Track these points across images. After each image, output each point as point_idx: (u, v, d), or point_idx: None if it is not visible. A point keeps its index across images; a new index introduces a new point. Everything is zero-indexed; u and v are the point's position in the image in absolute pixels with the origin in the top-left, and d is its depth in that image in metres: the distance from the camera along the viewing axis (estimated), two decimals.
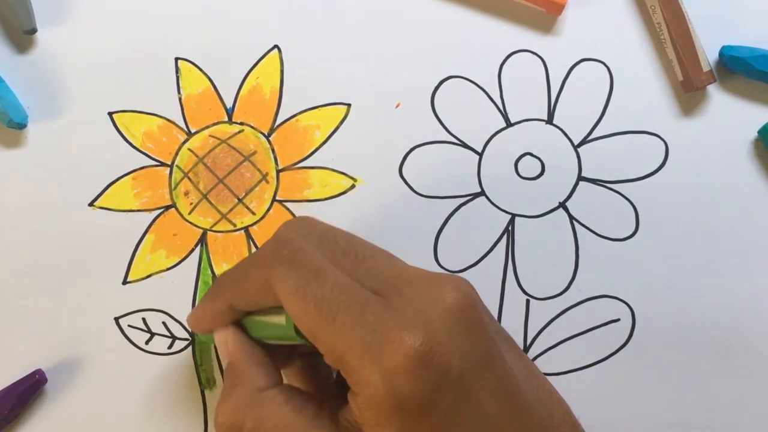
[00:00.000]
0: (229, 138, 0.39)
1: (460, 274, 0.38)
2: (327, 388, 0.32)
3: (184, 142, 0.39)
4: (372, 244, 0.28)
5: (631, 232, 0.39)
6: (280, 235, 0.27)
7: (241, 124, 0.39)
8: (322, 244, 0.27)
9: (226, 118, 0.40)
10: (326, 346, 0.25)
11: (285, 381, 0.30)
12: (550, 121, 0.39)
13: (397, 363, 0.24)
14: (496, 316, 0.38)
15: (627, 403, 0.37)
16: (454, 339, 0.25)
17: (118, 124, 0.39)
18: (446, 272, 0.29)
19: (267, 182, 0.39)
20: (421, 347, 0.24)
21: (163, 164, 0.39)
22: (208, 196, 0.39)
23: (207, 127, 0.39)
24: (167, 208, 0.39)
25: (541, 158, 0.39)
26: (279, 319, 0.28)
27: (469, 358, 0.25)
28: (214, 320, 0.30)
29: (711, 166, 0.39)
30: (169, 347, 0.38)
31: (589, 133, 0.39)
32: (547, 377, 0.38)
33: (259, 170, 0.39)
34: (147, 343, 0.38)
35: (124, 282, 0.38)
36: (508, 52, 0.40)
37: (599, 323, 0.38)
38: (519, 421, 0.26)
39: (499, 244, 0.39)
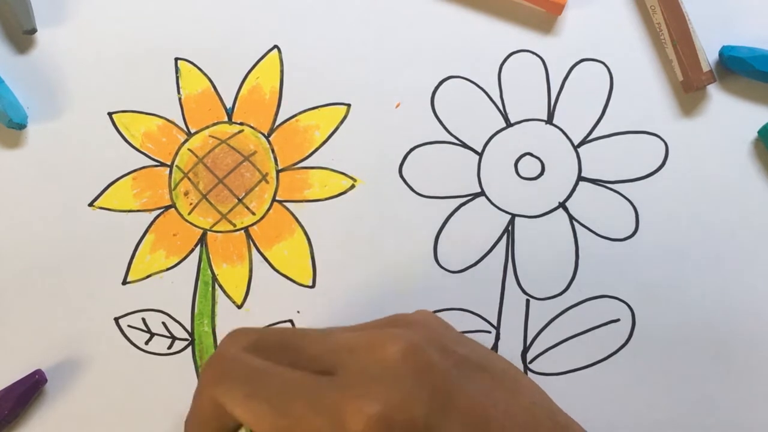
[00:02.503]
0: (229, 138, 0.39)
1: (460, 274, 0.38)
2: None
3: (184, 142, 0.39)
4: (303, 330, 0.28)
5: (631, 232, 0.39)
6: (214, 356, 0.27)
7: (241, 124, 0.39)
8: (258, 348, 0.27)
9: (225, 118, 0.39)
10: None
11: None
12: (550, 121, 0.39)
13: None
14: (495, 316, 0.38)
15: (627, 403, 0.37)
16: (410, 393, 0.24)
17: (118, 124, 0.39)
18: (388, 318, 0.29)
19: (267, 182, 0.39)
20: (381, 413, 0.24)
21: (162, 164, 0.39)
22: (207, 196, 0.39)
23: (207, 127, 0.39)
24: (167, 208, 0.39)
25: (541, 158, 0.39)
26: None
27: (431, 406, 0.24)
28: None
29: (711, 166, 0.39)
30: (169, 347, 0.38)
31: (589, 133, 0.39)
32: (547, 377, 0.38)
33: (258, 170, 0.39)
34: (147, 343, 0.38)
35: (124, 282, 0.38)
36: (508, 52, 0.40)
37: (599, 323, 0.38)
38: None
39: (499, 244, 0.39)
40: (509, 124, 0.39)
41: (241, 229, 0.39)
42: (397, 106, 0.39)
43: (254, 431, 0.26)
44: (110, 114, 0.39)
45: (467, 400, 0.26)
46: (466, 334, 0.38)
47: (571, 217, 0.39)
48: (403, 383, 0.25)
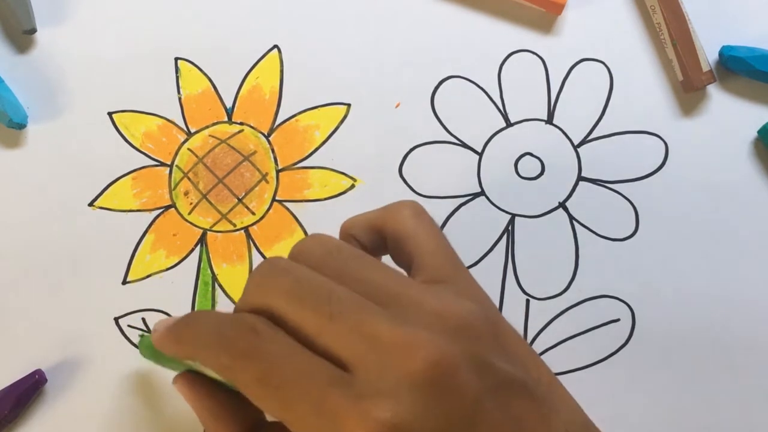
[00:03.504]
0: (229, 138, 0.39)
1: None
2: None
3: (184, 142, 0.39)
4: (346, 292, 0.25)
5: (631, 232, 0.39)
6: (244, 315, 0.25)
7: (241, 124, 0.39)
8: (290, 298, 0.25)
9: (225, 118, 0.40)
10: (292, 428, 0.24)
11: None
12: (550, 121, 0.39)
13: None
14: None
15: (627, 403, 0.37)
16: (424, 416, 0.22)
17: (118, 124, 0.39)
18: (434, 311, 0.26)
19: (267, 182, 0.39)
20: None
21: (162, 164, 0.39)
22: (207, 196, 0.39)
23: (207, 127, 0.39)
24: (167, 208, 0.39)
25: (541, 158, 0.39)
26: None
27: None
28: (177, 354, 0.29)
29: (711, 166, 0.39)
30: None
31: (589, 133, 0.39)
32: None
33: (258, 170, 0.39)
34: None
35: (124, 282, 0.38)
36: (508, 52, 0.40)
37: (599, 323, 0.38)
38: None
39: (499, 244, 0.39)
40: (509, 124, 0.39)
41: (241, 228, 0.39)
42: (397, 106, 0.39)
43: (258, 406, 0.25)
44: (110, 114, 0.39)
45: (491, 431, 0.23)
46: None
47: (571, 217, 0.39)
48: (419, 403, 0.22)
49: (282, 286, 0.25)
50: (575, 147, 0.39)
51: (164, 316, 0.38)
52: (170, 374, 0.38)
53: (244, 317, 0.25)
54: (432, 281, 0.27)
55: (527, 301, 0.38)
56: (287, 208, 0.39)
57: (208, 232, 0.39)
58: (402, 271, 0.29)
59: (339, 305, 0.24)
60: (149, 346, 0.36)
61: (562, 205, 0.39)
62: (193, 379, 0.29)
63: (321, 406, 0.23)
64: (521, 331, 0.38)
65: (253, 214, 0.39)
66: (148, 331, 0.38)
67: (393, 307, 0.25)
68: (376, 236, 0.29)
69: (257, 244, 0.39)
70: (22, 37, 0.40)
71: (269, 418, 0.30)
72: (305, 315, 0.24)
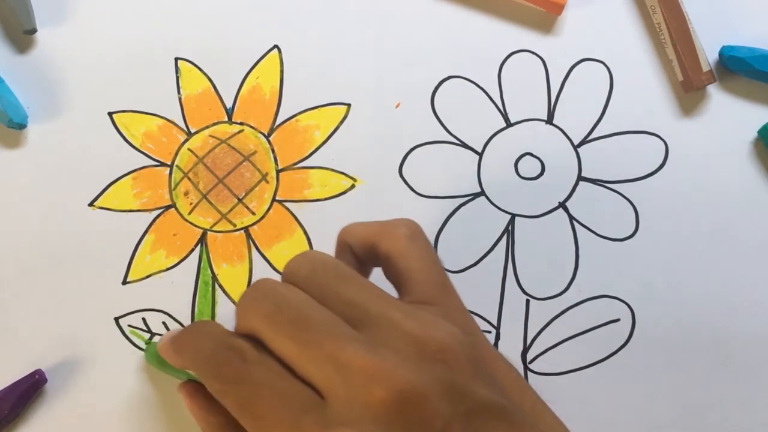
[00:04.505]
0: (229, 138, 0.39)
1: (460, 274, 0.38)
2: None
3: (184, 142, 0.39)
4: (323, 314, 0.25)
5: (631, 232, 0.39)
6: (237, 340, 0.26)
7: (241, 124, 0.39)
8: (270, 324, 0.25)
9: (226, 118, 0.40)
10: None
11: None
12: (550, 121, 0.39)
13: None
14: (495, 316, 0.38)
15: (627, 403, 0.37)
16: None
17: (118, 124, 0.39)
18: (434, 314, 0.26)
19: (267, 182, 0.39)
20: None
21: (163, 164, 0.39)
22: (207, 196, 0.39)
23: (207, 127, 0.39)
24: (167, 208, 0.39)
25: (541, 158, 0.39)
26: None
27: None
28: (177, 365, 0.29)
29: (711, 166, 0.39)
30: None
31: (589, 133, 0.39)
32: (547, 377, 0.38)
33: (259, 170, 0.39)
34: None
35: (124, 282, 0.38)
36: (508, 52, 0.40)
37: (599, 323, 0.38)
38: None
39: (499, 244, 0.39)
40: (509, 124, 0.39)
41: (241, 229, 0.39)
42: (397, 106, 0.39)
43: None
44: (110, 114, 0.39)
45: None
46: None
47: (571, 217, 0.39)
48: None
49: (262, 311, 0.25)
50: (575, 147, 0.39)
51: (164, 317, 0.38)
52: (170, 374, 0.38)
53: (236, 342, 0.26)
54: (419, 303, 0.28)
55: (527, 301, 0.38)
56: (287, 208, 0.39)
57: (208, 232, 0.39)
58: (392, 288, 0.29)
59: (314, 332, 0.24)
60: (155, 354, 0.36)
61: (562, 205, 0.39)
62: (195, 389, 0.29)
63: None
64: (521, 331, 0.38)
65: (253, 214, 0.39)
66: (149, 332, 0.38)
67: (371, 331, 0.25)
68: (370, 250, 0.29)
69: (257, 244, 0.39)
70: (22, 37, 0.40)
71: None
72: (283, 341, 0.25)
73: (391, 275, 0.29)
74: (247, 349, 0.25)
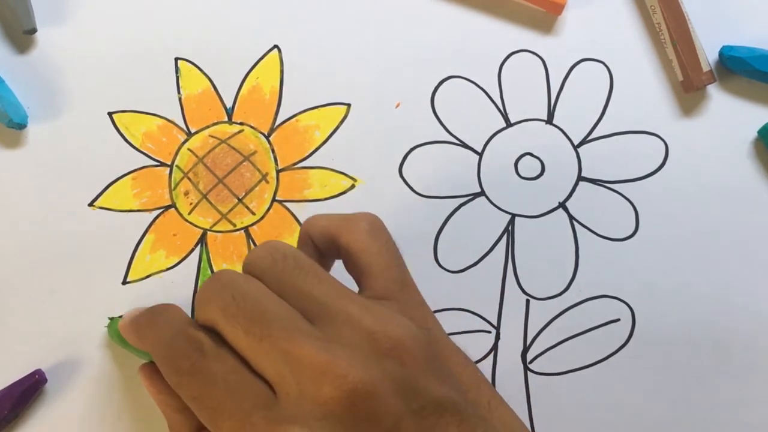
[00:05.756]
0: (229, 138, 0.39)
1: (460, 274, 0.38)
2: None
3: (184, 142, 0.39)
4: (279, 307, 0.25)
5: (631, 232, 0.39)
6: (195, 332, 0.26)
7: (241, 124, 0.39)
8: (226, 316, 0.25)
9: (225, 118, 0.40)
10: None
11: None
12: (550, 121, 0.39)
13: None
14: (495, 316, 0.38)
15: (627, 403, 0.37)
16: None
17: (118, 124, 0.39)
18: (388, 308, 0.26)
19: (267, 182, 0.39)
20: None
21: (163, 164, 0.39)
22: (207, 196, 0.39)
23: (207, 127, 0.39)
24: (167, 208, 0.39)
25: (541, 158, 0.39)
26: None
27: None
28: (137, 347, 0.30)
29: (711, 166, 0.39)
30: None
31: (589, 133, 0.39)
32: (547, 377, 0.38)
33: (258, 170, 0.39)
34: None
35: (124, 282, 0.38)
36: (508, 52, 0.40)
37: (599, 323, 0.38)
38: None
39: (499, 244, 0.39)
40: (509, 124, 0.39)
41: (241, 229, 0.39)
42: (397, 106, 0.40)
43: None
44: (110, 114, 0.39)
45: None
46: (466, 334, 0.38)
47: (571, 217, 0.39)
48: (328, 431, 0.23)
49: (219, 303, 0.25)
50: (575, 147, 0.39)
51: None
52: None
53: (194, 334, 0.26)
54: (377, 297, 0.28)
55: (527, 301, 0.38)
56: (287, 208, 0.39)
57: (208, 232, 0.39)
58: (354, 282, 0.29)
59: (268, 327, 0.24)
60: (117, 331, 0.36)
61: (562, 205, 0.39)
62: (154, 371, 0.29)
63: (243, 428, 0.24)
64: (521, 331, 0.38)
65: (254, 214, 0.39)
66: None
67: (327, 326, 0.25)
68: (331, 243, 0.30)
69: (257, 245, 0.39)
70: (22, 37, 0.40)
71: None
72: (239, 335, 0.25)
73: (351, 269, 0.29)
74: (205, 341, 0.25)
